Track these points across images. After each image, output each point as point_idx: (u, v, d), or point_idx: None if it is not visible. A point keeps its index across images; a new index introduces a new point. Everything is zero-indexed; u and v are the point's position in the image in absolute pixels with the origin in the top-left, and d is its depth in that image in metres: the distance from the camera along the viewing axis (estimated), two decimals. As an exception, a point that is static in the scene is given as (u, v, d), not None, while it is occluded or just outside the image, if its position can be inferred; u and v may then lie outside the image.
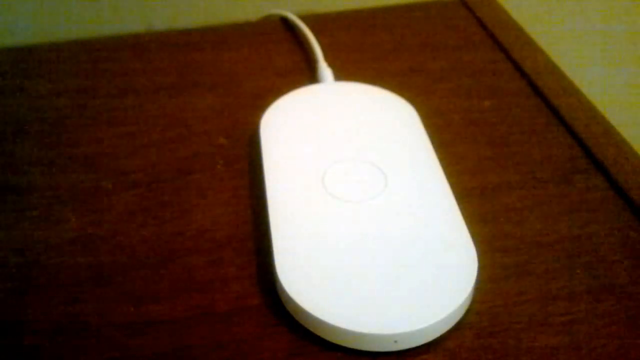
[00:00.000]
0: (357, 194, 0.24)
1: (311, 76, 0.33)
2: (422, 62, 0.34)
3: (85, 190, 0.27)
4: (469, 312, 0.21)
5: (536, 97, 0.31)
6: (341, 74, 0.33)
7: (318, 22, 0.37)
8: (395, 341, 0.20)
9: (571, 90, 0.31)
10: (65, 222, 0.25)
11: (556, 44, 0.47)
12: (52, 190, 0.27)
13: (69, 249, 0.24)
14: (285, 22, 0.38)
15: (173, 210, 0.26)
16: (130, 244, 0.24)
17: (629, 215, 0.25)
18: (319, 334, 0.21)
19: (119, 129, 0.30)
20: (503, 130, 0.29)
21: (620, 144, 0.28)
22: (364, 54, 0.35)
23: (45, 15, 0.41)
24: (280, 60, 0.35)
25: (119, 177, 0.27)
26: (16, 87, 0.33)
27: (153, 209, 0.26)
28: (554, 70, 0.33)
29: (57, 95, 0.32)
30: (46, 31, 0.41)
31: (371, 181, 0.24)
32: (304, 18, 0.37)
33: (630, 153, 0.28)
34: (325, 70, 0.32)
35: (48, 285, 0.23)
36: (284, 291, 0.21)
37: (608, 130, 0.29)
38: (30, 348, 0.21)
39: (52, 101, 0.32)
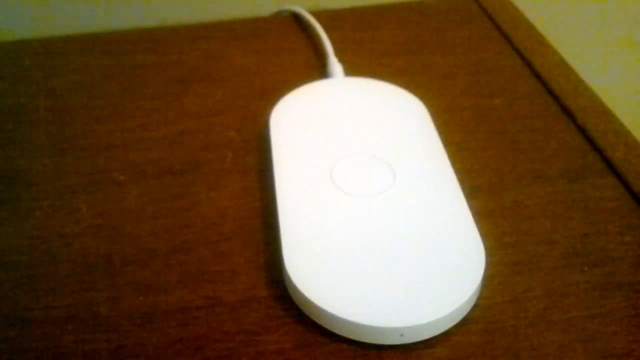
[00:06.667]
0: (365, 189, 0.24)
1: (321, 71, 0.33)
2: (433, 59, 0.34)
3: (97, 182, 0.27)
4: (475, 307, 0.22)
5: (546, 95, 0.31)
6: (351, 70, 0.33)
7: (329, 17, 0.37)
8: (402, 334, 0.20)
9: (581, 88, 0.31)
10: (77, 212, 0.26)
11: (567, 41, 0.46)
12: (64, 181, 0.27)
13: (80, 238, 0.24)
14: (297, 18, 0.38)
15: (183, 202, 0.26)
16: (140, 235, 0.24)
17: (637, 213, 0.25)
18: (325, 326, 0.21)
19: (130, 121, 0.30)
20: (513, 127, 0.29)
21: (630, 143, 0.28)
22: (375, 50, 0.35)
23: (60, 9, 0.41)
24: (291, 55, 0.35)
25: (130, 168, 0.27)
26: (31, 79, 0.33)
27: (163, 201, 0.26)
28: (564, 68, 0.33)
29: (69, 87, 0.33)
30: (61, 24, 0.42)
31: (379, 176, 0.25)
32: (315, 13, 0.37)
33: (640, 152, 0.27)
34: (335, 65, 0.32)
35: (58, 275, 0.23)
36: (291, 283, 0.21)
37: (618, 129, 0.29)
38: (40, 336, 0.21)
39: (65, 93, 0.32)
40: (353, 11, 0.38)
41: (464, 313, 0.21)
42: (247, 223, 0.25)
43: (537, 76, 0.32)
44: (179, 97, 0.32)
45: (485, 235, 0.24)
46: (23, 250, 0.24)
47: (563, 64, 0.33)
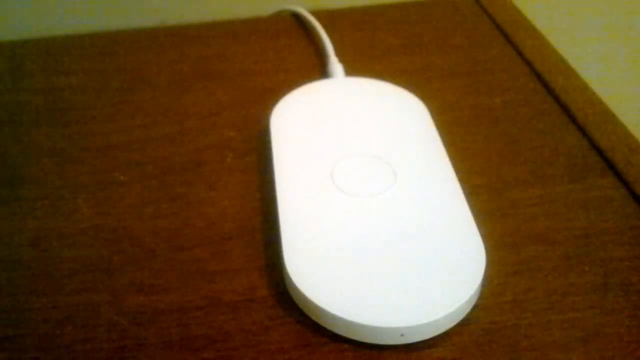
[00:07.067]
0: (366, 189, 0.24)
1: (322, 71, 0.33)
2: (433, 59, 0.34)
3: (97, 181, 0.27)
4: (476, 307, 0.22)
5: (546, 95, 0.31)
6: (352, 70, 0.33)
7: (329, 17, 0.37)
8: (402, 334, 0.20)
9: (582, 87, 0.31)
10: (77, 212, 0.26)
11: (567, 41, 0.46)
12: (64, 181, 0.27)
13: (80, 238, 0.24)
14: (297, 18, 0.38)
15: (183, 201, 0.26)
16: (141, 235, 0.24)
17: (638, 213, 0.25)
18: (326, 326, 0.21)
19: (130, 121, 0.30)
20: (513, 127, 0.29)
21: (631, 143, 0.28)
22: (375, 50, 0.35)
23: (60, 9, 0.41)
24: (292, 55, 0.35)
25: (131, 168, 0.27)
26: (31, 79, 0.33)
27: (163, 200, 0.26)
28: (565, 67, 0.33)
29: (70, 87, 0.33)
30: (61, 24, 0.42)
31: (380, 176, 0.25)
32: (315, 14, 0.37)
33: (641, 152, 0.27)
34: (336, 65, 0.32)
35: (59, 274, 0.23)
36: (291, 283, 0.21)
37: (618, 129, 0.29)
38: (40, 336, 0.21)
39: (65, 93, 0.32)
40: (353, 11, 0.38)
41: (465, 313, 0.21)
42: (247, 223, 0.25)
43: (537, 76, 0.32)
44: (179, 97, 0.32)
45: (485, 235, 0.24)
46: (23, 250, 0.24)
47: (563, 64, 0.33)
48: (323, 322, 0.21)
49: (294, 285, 0.21)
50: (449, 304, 0.20)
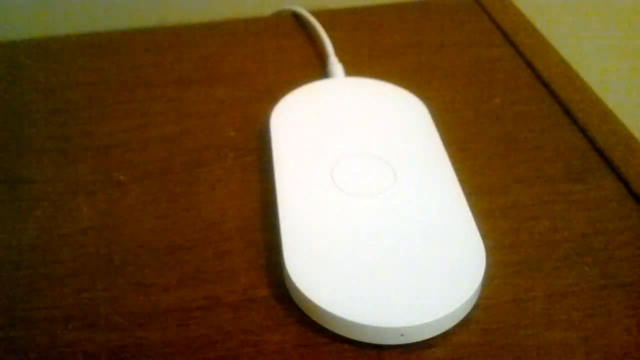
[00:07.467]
0: (366, 189, 0.24)
1: (322, 71, 0.33)
2: (433, 59, 0.34)
3: (97, 182, 0.27)
4: (476, 307, 0.22)
5: (546, 95, 0.31)
6: (352, 70, 0.33)
7: (330, 17, 0.37)
8: (402, 334, 0.20)
9: (582, 88, 0.31)
10: (77, 212, 0.26)
11: (567, 41, 0.47)
12: (64, 181, 0.27)
13: (80, 238, 0.24)
14: (297, 18, 0.38)
15: (183, 201, 0.26)
16: (141, 235, 0.24)
17: (637, 213, 0.25)
18: (326, 326, 0.21)
19: (130, 121, 0.30)
20: (513, 127, 0.29)
21: (630, 143, 0.28)
22: (375, 50, 0.35)
23: (60, 9, 0.41)
24: (292, 55, 0.35)
25: (130, 168, 0.27)
26: (31, 79, 0.33)
27: (163, 201, 0.26)
28: (565, 68, 0.33)
29: (70, 87, 0.33)
30: (61, 24, 0.42)
31: (380, 176, 0.25)
32: (315, 14, 0.37)
33: (640, 152, 0.27)
34: (336, 65, 0.32)
35: (59, 274, 0.23)
36: (291, 283, 0.21)
37: (618, 129, 0.29)
38: (40, 336, 0.21)
39: (65, 93, 0.32)
40: (353, 11, 0.38)
41: (465, 313, 0.21)
42: (247, 223, 0.25)
43: (537, 76, 0.32)
44: (179, 97, 0.32)
45: (485, 235, 0.24)
46: (23, 250, 0.24)
47: (563, 64, 0.33)
48: (323, 322, 0.21)
49: (294, 285, 0.21)
50: (449, 304, 0.20)
